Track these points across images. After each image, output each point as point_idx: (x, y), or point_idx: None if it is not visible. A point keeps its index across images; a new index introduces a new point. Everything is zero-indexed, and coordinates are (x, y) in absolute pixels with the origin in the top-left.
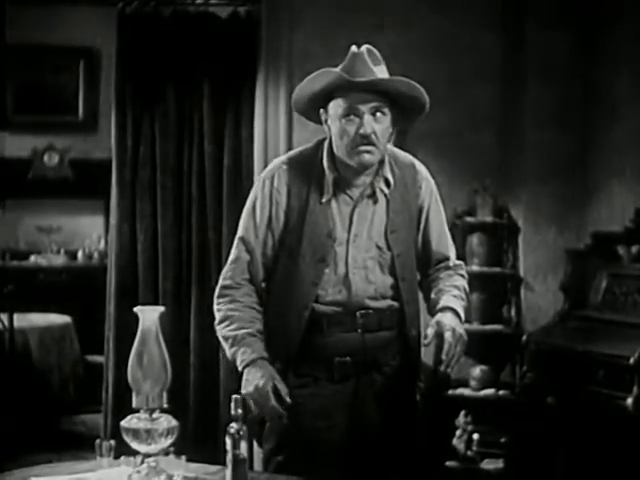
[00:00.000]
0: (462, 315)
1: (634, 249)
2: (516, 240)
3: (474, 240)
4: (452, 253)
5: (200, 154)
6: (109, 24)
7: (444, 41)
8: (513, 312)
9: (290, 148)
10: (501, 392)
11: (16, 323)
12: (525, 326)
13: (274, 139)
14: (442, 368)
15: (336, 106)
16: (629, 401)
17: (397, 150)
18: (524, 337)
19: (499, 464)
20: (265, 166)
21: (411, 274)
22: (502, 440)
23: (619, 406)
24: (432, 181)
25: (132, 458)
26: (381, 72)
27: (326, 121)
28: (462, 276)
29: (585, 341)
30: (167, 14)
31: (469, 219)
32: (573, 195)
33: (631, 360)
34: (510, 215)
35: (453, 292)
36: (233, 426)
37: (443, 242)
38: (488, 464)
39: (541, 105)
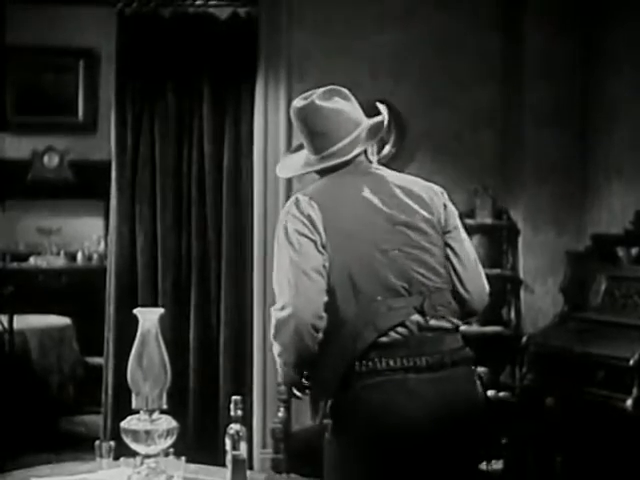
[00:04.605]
0: None
1: (634, 251)
2: (516, 242)
3: (473, 242)
4: (280, 301)
5: (200, 155)
6: (109, 25)
7: (444, 41)
8: (513, 314)
9: (290, 148)
10: (501, 394)
11: (16, 325)
12: (525, 328)
13: (274, 139)
14: None
15: None
16: (629, 402)
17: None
18: (524, 339)
19: (499, 465)
20: (265, 166)
21: None
22: (502, 441)
23: (619, 407)
24: (282, 222)
25: (132, 459)
26: None
27: None
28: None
29: (585, 343)
30: (167, 15)
31: (469, 221)
32: (573, 197)
33: (631, 362)
34: (510, 217)
35: None
36: (233, 427)
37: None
38: (488, 465)
39: (541, 106)
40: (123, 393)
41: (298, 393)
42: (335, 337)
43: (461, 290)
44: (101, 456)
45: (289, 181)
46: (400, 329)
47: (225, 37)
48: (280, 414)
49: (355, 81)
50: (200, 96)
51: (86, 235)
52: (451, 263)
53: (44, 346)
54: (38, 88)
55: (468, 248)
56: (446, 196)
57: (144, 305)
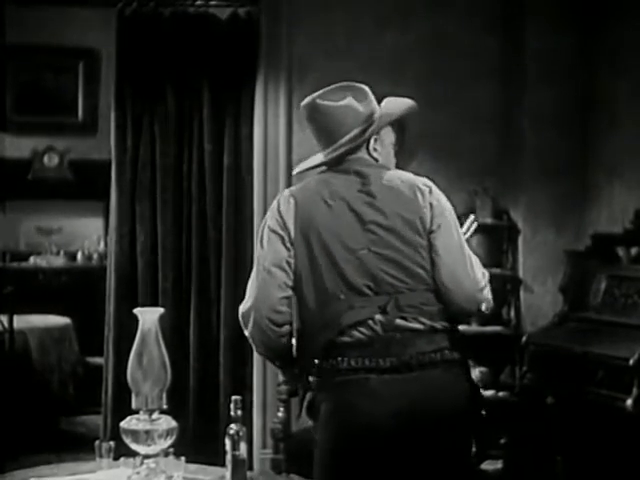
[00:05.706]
0: None
1: (633, 250)
2: (516, 241)
3: (473, 242)
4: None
5: (200, 155)
6: (109, 25)
7: (444, 41)
8: (513, 313)
9: (290, 148)
10: (501, 393)
11: (16, 324)
12: (525, 327)
13: (274, 139)
14: None
15: (389, 133)
16: (629, 402)
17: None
18: (524, 338)
19: (498, 465)
20: (265, 166)
21: None
22: (501, 441)
23: (619, 407)
24: (265, 218)
25: (132, 459)
26: None
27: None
28: None
29: (584, 342)
30: (167, 15)
31: None
32: (573, 196)
33: (630, 361)
34: (510, 216)
35: None
36: (233, 427)
37: None
38: (487, 465)
39: (541, 106)
40: (123, 393)
41: None
42: (303, 332)
43: (440, 287)
44: (101, 456)
45: (289, 180)
46: (363, 329)
47: (225, 37)
48: (280, 414)
49: (355, 81)
50: (200, 96)
51: (86, 235)
52: (432, 261)
53: (44, 346)
54: (38, 88)
55: (453, 245)
56: (435, 194)
57: (144, 305)
